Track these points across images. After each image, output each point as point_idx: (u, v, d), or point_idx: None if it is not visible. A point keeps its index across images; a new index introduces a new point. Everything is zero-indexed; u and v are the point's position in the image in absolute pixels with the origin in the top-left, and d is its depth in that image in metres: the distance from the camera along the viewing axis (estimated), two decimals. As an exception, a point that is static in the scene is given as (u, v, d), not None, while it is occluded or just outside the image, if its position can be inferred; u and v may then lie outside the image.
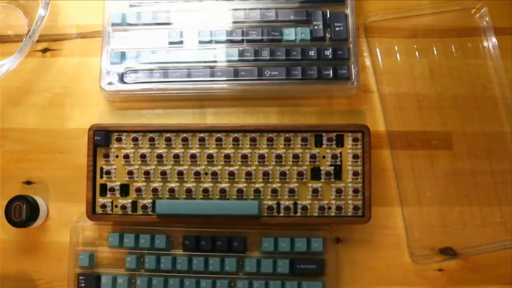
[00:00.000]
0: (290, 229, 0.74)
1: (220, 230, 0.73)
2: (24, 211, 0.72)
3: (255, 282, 0.72)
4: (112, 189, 0.74)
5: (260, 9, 0.77)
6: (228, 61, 0.76)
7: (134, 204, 0.73)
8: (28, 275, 0.76)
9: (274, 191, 0.73)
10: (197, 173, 0.74)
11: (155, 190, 0.73)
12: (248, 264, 0.72)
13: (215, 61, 0.76)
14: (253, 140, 0.74)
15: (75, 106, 0.79)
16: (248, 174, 0.73)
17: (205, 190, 0.73)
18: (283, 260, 0.72)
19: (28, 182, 0.78)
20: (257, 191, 0.73)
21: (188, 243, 0.73)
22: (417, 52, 0.78)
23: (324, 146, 0.74)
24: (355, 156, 0.73)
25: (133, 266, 0.73)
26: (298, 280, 0.72)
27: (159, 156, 0.74)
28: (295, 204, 0.73)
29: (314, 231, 0.74)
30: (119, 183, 0.74)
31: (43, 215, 0.75)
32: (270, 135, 0.74)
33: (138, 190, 0.73)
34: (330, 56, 0.75)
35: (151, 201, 0.73)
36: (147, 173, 0.74)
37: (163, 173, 0.74)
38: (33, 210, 0.73)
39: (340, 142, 0.74)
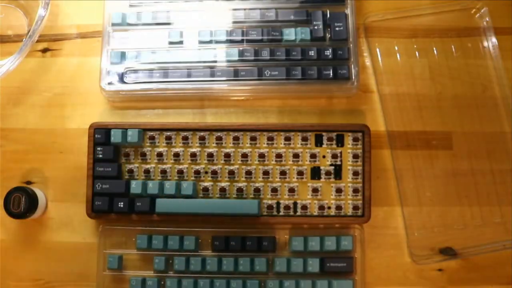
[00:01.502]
0: (317, 228, 0.74)
1: (249, 230, 0.73)
2: (23, 202, 0.72)
3: (286, 281, 0.72)
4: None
5: (260, 9, 0.77)
6: (228, 61, 0.76)
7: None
8: (28, 275, 0.76)
9: (274, 190, 0.73)
10: (197, 172, 0.74)
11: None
12: (278, 264, 0.72)
13: (215, 61, 0.76)
14: (253, 139, 0.74)
15: (75, 106, 0.79)
16: (248, 173, 0.73)
17: (205, 189, 0.73)
18: (313, 259, 0.72)
19: (28, 182, 0.77)
20: (257, 190, 0.73)
21: (217, 244, 0.72)
22: (417, 52, 0.78)
23: (324, 145, 0.74)
24: (355, 156, 0.73)
25: (162, 268, 0.72)
26: (329, 278, 0.72)
27: (159, 155, 0.74)
28: (295, 203, 0.73)
29: (343, 229, 0.74)
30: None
31: (42, 207, 0.75)
32: (270, 134, 0.74)
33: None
34: (330, 56, 0.75)
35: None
36: (147, 171, 0.74)
37: (163, 172, 0.74)
38: (32, 201, 0.73)
39: (340, 142, 0.74)
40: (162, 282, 0.72)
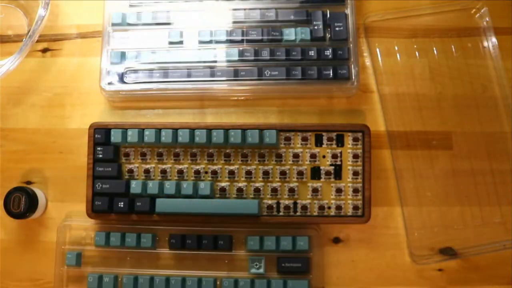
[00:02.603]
0: (276, 227, 0.74)
1: (206, 228, 0.73)
2: (23, 202, 0.72)
3: (241, 280, 0.72)
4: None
5: (260, 9, 0.77)
6: (228, 61, 0.76)
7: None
8: (28, 275, 0.76)
9: (274, 190, 0.73)
10: (197, 172, 0.74)
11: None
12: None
13: (215, 61, 0.76)
14: (253, 139, 0.74)
15: (75, 106, 0.79)
16: (248, 173, 0.73)
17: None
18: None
19: (28, 182, 0.77)
20: (257, 190, 0.73)
21: (173, 242, 0.73)
22: (417, 52, 0.79)
23: (324, 145, 0.74)
24: (355, 156, 0.73)
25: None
26: (284, 278, 0.72)
27: (159, 155, 0.74)
28: (295, 203, 0.73)
29: (301, 230, 0.74)
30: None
31: (42, 207, 0.75)
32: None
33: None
34: (330, 56, 0.75)
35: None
36: (147, 171, 0.74)
37: (163, 172, 0.74)
38: (32, 201, 0.73)
39: (340, 142, 0.74)
40: (120, 279, 0.73)
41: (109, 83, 0.76)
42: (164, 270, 0.73)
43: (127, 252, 0.74)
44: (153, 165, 0.74)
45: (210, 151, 0.74)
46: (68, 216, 0.77)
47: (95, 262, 0.74)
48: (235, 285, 0.72)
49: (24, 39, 0.77)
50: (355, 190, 0.73)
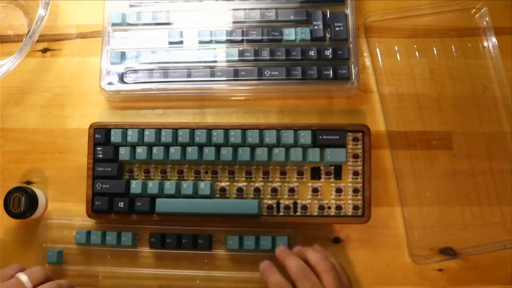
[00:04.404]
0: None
1: (187, 228, 0.74)
2: (23, 202, 0.72)
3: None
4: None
5: (260, 9, 0.77)
6: (228, 61, 0.76)
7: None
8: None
9: (274, 190, 0.73)
10: (197, 172, 0.73)
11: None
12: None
13: (215, 61, 0.76)
14: (253, 139, 0.74)
15: (75, 106, 0.79)
16: (248, 173, 0.73)
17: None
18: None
19: (28, 182, 0.77)
20: (257, 190, 0.73)
21: (154, 241, 0.73)
22: (417, 52, 0.79)
23: (324, 145, 0.74)
24: (355, 156, 0.73)
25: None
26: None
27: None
28: (295, 203, 0.73)
29: (280, 229, 0.74)
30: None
31: (42, 207, 0.75)
32: (270, 134, 0.74)
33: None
34: (330, 56, 0.75)
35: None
36: (147, 171, 0.74)
37: (163, 172, 0.74)
38: (32, 201, 0.73)
39: (340, 142, 0.74)
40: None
41: (109, 83, 0.76)
42: (144, 269, 0.74)
43: (107, 250, 0.74)
44: (153, 165, 0.74)
45: (210, 151, 0.74)
46: (69, 217, 0.77)
47: (76, 260, 0.75)
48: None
49: (24, 39, 0.77)
50: (355, 190, 0.73)
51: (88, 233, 0.74)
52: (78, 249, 0.75)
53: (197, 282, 0.73)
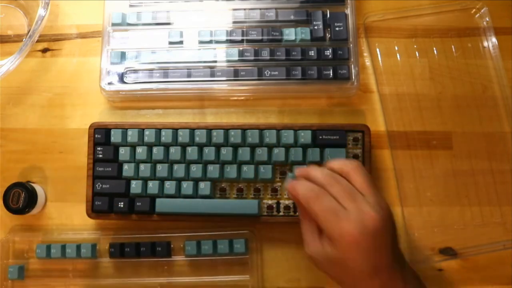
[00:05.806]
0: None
1: (145, 236, 0.74)
2: (22, 198, 0.72)
3: None
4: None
5: (260, 9, 0.77)
6: (228, 61, 0.76)
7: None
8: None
9: (274, 190, 0.73)
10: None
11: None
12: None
13: (215, 61, 0.76)
14: (253, 139, 0.74)
15: (75, 106, 0.79)
16: (248, 173, 0.73)
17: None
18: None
19: (28, 182, 0.77)
20: (257, 190, 0.73)
21: (113, 251, 0.73)
22: (417, 52, 0.79)
23: (324, 145, 0.74)
24: (355, 156, 0.73)
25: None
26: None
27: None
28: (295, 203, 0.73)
29: (236, 233, 0.73)
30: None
31: (41, 203, 0.75)
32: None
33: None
34: (330, 56, 0.75)
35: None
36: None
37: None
38: (31, 197, 0.73)
39: (340, 142, 0.74)
40: None
41: (109, 83, 0.76)
42: (105, 279, 0.74)
43: (68, 262, 0.74)
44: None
45: (210, 151, 0.74)
46: (69, 217, 0.77)
47: (38, 275, 0.74)
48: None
49: (24, 39, 0.77)
50: (355, 190, 0.73)
51: (48, 247, 0.73)
52: (39, 263, 0.74)
53: (158, 288, 0.73)
